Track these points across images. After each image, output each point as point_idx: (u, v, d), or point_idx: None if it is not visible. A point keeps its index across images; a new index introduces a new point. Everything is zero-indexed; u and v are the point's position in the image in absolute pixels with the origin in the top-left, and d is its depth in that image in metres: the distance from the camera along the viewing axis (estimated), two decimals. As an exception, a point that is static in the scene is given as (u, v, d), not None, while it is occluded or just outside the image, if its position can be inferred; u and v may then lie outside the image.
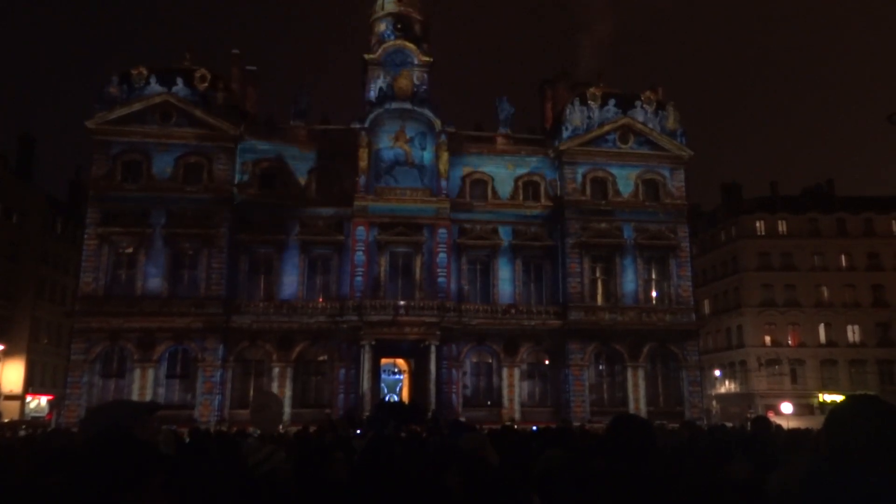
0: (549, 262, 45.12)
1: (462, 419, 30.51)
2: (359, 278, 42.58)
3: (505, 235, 44.87)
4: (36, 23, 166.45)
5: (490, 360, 43.85)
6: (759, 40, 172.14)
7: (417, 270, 43.59)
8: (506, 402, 42.63)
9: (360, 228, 43.27)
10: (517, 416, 40.53)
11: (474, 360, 43.86)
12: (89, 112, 42.72)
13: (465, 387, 43.04)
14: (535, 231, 45.19)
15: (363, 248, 43.03)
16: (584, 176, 45.78)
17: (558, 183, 45.83)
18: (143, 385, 39.95)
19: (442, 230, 43.74)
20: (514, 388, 43.02)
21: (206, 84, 44.27)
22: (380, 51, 47.14)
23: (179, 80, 43.77)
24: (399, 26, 48.07)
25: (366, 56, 47.59)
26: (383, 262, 43.56)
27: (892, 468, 2.52)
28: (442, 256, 43.52)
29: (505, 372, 43.23)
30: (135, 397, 38.93)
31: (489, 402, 42.93)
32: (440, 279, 43.12)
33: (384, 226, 43.58)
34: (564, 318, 43.31)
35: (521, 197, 45.73)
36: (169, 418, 28.99)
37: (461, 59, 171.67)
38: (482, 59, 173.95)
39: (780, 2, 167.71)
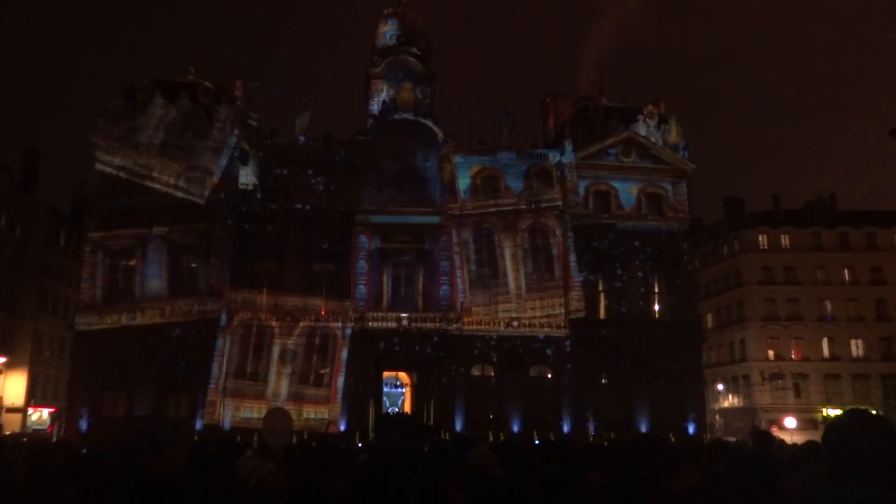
0: (552, 275, 44.93)
1: (464, 433, 30.39)
2: (361, 288, 42.57)
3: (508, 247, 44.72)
4: (42, 37, 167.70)
5: (492, 373, 43.70)
6: (760, 55, 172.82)
7: (420, 281, 43.58)
8: (507, 414, 42.40)
9: (363, 238, 43.32)
10: (518, 429, 40.32)
11: (477, 372, 43.70)
12: (94, 125, 42.92)
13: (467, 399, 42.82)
14: (537, 243, 45.06)
15: (365, 258, 43.04)
16: (586, 189, 45.77)
17: (561, 196, 45.78)
18: (144, 393, 39.72)
19: (444, 240, 43.79)
20: (517, 400, 42.79)
21: (209, 98, 44.45)
22: (383, 64, 47.36)
23: (183, 94, 43.95)
24: (402, 40, 48.31)
25: (369, 69, 47.81)
26: (386, 272, 43.55)
27: (890, 484, 2.54)
28: (445, 266, 43.52)
29: (507, 384, 43.04)
30: (134, 406, 38.87)
31: (491, 416, 42.71)
32: (443, 289, 43.08)
33: (386, 236, 43.61)
34: (568, 330, 43.14)
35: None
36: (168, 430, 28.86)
37: (464, 72, 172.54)
38: (485, 72, 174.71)
39: (782, 17, 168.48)
